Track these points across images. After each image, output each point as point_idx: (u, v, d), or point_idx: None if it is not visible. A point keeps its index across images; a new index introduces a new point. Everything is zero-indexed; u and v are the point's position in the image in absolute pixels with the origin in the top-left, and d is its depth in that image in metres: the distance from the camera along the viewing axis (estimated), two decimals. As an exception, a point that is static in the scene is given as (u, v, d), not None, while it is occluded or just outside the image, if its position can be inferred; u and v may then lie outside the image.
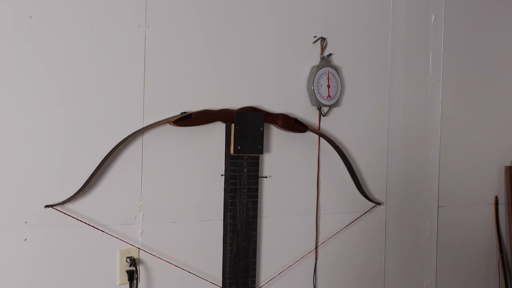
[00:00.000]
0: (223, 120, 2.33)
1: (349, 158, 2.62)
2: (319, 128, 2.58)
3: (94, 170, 2.10)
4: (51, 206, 2.04)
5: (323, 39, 2.56)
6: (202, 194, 2.34)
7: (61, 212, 2.07)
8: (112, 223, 2.17)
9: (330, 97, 2.55)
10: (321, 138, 2.57)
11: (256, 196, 2.39)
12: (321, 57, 2.56)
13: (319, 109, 2.57)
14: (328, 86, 2.54)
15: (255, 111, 2.38)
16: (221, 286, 2.37)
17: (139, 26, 2.20)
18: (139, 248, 2.22)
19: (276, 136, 2.47)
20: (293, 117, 2.47)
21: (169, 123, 2.22)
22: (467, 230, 3.06)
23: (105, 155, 2.13)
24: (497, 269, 3.16)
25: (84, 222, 2.11)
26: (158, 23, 2.23)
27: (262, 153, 2.39)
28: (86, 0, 2.10)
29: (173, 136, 2.26)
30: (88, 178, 2.10)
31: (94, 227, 2.12)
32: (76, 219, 2.10)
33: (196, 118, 2.27)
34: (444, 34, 2.92)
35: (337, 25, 2.62)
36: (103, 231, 2.14)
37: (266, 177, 2.45)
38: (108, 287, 2.18)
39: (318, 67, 2.52)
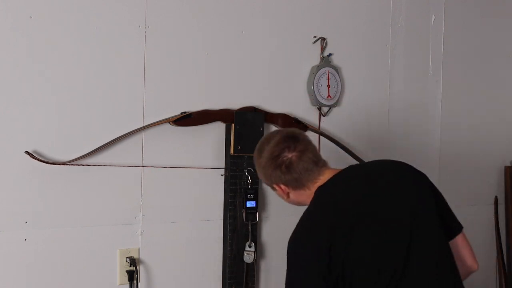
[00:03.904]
0: (223, 120, 2.33)
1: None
2: (319, 128, 2.57)
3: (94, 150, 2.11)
4: (33, 157, 2.00)
5: (323, 39, 2.56)
6: (202, 194, 2.33)
7: (48, 163, 2.07)
8: (112, 223, 2.17)
9: (330, 97, 2.55)
10: (321, 138, 2.57)
11: (256, 196, 2.39)
12: (321, 57, 2.56)
13: (319, 109, 2.57)
14: (328, 86, 2.54)
15: (255, 111, 2.38)
16: (221, 286, 2.37)
17: (139, 26, 2.20)
18: (139, 248, 2.22)
19: (276, 136, 2.47)
20: (293, 116, 2.47)
21: (169, 122, 2.22)
22: (467, 230, 3.04)
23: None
24: (496, 269, 3.16)
25: (87, 165, 2.11)
26: (158, 23, 2.23)
27: (262, 153, 2.38)
28: (86, 0, 2.10)
29: (173, 136, 2.26)
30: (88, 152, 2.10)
31: (98, 165, 2.12)
32: (79, 165, 2.10)
33: (196, 118, 2.27)
34: (444, 34, 2.92)
35: (337, 25, 2.62)
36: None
37: (266, 177, 2.45)
38: (108, 287, 2.18)
39: (318, 67, 2.52)
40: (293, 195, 1.84)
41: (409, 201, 1.74)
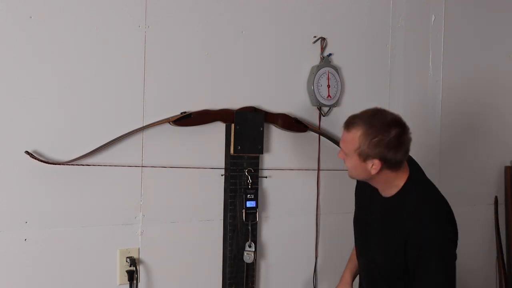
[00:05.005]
0: (223, 120, 2.33)
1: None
2: (319, 128, 2.57)
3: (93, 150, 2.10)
4: (33, 157, 2.01)
5: (323, 39, 2.56)
6: (202, 194, 2.33)
7: (48, 163, 2.07)
8: (112, 223, 2.17)
9: (330, 97, 2.55)
10: (321, 138, 2.57)
11: (256, 196, 2.39)
12: (321, 57, 2.56)
13: (319, 109, 2.57)
14: (328, 86, 2.54)
15: (255, 111, 2.38)
16: (221, 286, 2.37)
17: (139, 26, 2.20)
18: (139, 248, 2.22)
19: (276, 136, 2.47)
20: (293, 116, 2.47)
21: (169, 122, 2.22)
22: (466, 230, 3.04)
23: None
24: (496, 269, 3.16)
25: (87, 165, 2.11)
26: (158, 23, 2.23)
27: (262, 153, 2.39)
28: (86, 0, 2.10)
29: (173, 136, 2.26)
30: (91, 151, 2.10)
31: (102, 165, 2.12)
32: (79, 165, 2.10)
33: (196, 118, 2.27)
34: (444, 34, 2.92)
35: (337, 25, 2.62)
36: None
37: (266, 177, 2.45)
38: (108, 287, 2.18)
39: (318, 67, 2.52)
40: (385, 173, 1.88)
41: None
